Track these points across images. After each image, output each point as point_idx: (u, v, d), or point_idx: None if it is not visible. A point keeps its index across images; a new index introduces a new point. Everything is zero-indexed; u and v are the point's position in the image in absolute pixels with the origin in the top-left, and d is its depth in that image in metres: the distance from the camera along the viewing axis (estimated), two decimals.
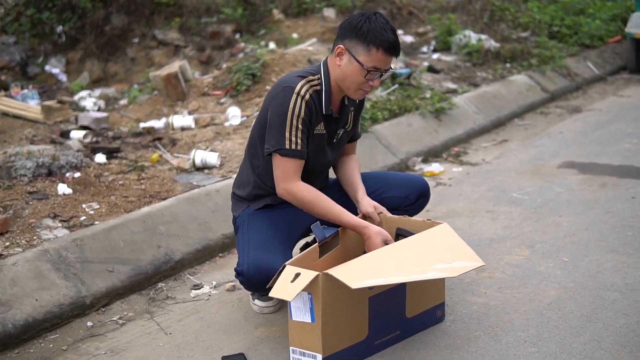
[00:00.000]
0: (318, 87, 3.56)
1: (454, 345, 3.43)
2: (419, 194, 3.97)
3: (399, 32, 10.60)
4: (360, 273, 3.10)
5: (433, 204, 5.38)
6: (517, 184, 5.72)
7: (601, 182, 5.62)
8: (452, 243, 3.41)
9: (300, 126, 3.47)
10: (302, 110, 3.46)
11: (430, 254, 3.31)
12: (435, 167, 6.25)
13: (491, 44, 9.56)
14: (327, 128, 3.65)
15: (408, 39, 10.37)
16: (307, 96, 3.48)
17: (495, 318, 3.65)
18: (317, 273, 3.07)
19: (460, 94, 7.93)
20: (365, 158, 6.06)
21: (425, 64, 8.99)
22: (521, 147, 6.87)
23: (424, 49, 10.02)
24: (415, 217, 3.82)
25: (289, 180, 3.52)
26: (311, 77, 3.56)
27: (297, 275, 3.09)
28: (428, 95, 7.50)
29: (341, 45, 3.48)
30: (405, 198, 3.93)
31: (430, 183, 5.90)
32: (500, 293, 3.91)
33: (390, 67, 3.53)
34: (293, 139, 3.47)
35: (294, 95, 3.46)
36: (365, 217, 3.71)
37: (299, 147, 3.48)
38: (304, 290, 3.10)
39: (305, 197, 3.51)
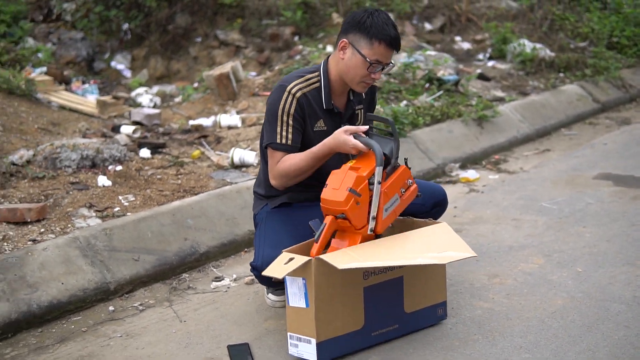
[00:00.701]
0: (317, 84, 3.74)
1: (451, 347, 3.53)
2: (435, 203, 4.05)
3: (457, 38, 10.66)
4: (349, 257, 3.24)
5: (461, 209, 5.48)
6: (549, 193, 5.77)
7: (633, 195, 5.63)
8: (448, 237, 3.53)
9: (290, 122, 3.66)
10: (293, 107, 3.65)
11: (422, 244, 3.45)
12: (470, 173, 6.33)
13: (546, 53, 9.56)
14: (329, 123, 3.78)
15: (465, 45, 10.43)
16: (299, 94, 3.67)
17: (497, 323, 3.73)
18: (309, 258, 3.23)
19: (507, 102, 7.98)
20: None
21: (479, 71, 9.05)
22: (562, 157, 6.89)
23: (480, 56, 10.07)
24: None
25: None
26: (310, 75, 3.75)
27: (291, 259, 3.27)
28: (474, 102, 7.57)
29: (345, 39, 3.64)
30: (422, 205, 3.98)
31: (463, 189, 6.00)
32: (507, 299, 4.00)
33: (391, 62, 3.67)
34: (284, 133, 3.67)
35: (285, 94, 3.66)
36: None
37: (289, 142, 3.67)
38: (297, 275, 3.27)
39: (283, 169, 3.68)
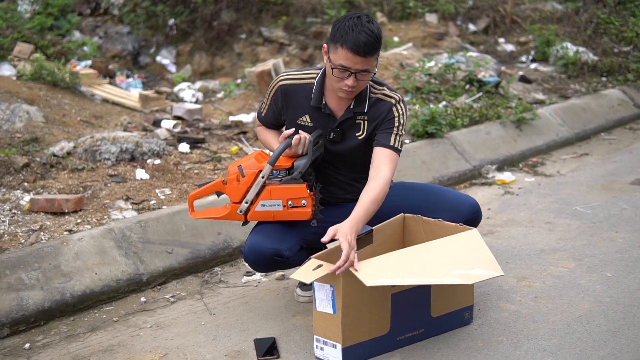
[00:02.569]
0: (312, 81, 3.81)
1: (475, 348, 3.56)
2: (466, 221, 3.88)
3: (501, 40, 10.62)
4: (378, 271, 3.27)
5: (495, 211, 5.49)
6: (584, 197, 5.75)
7: None
8: (477, 250, 3.52)
9: (269, 101, 3.95)
10: (272, 91, 3.90)
11: (451, 259, 3.44)
12: (507, 176, 6.33)
13: (589, 56, 9.49)
14: (317, 120, 3.80)
15: (509, 47, 10.41)
16: (282, 83, 3.86)
17: (522, 325, 3.76)
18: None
19: (547, 105, 7.94)
20: (437, 163, 6.21)
21: (521, 73, 9.02)
22: (599, 162, 6.86)
23: (523, 58, 10.05)
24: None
25: None
26: (309, 71, 3.86)
27: (319, 266, 3.31)
28: (514, 104, 7.56)
29: (325, 45, 3.68)
30: (454, 222, 3.87)
31: (499, 191, 6.01)
32: (535, 302, 4.01)
33: (368, 69, 3.57)
34: (264, 106, 4.01)
35: (275, 79, 3.90)
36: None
37: (263, 113, 4.03)
38: (326, 282, 3.32)
39: (259, 136, 4.12)
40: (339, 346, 3.40)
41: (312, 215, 3.68)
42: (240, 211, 3.69)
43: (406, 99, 7.29)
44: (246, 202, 3.67)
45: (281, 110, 3.88)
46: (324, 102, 3.79)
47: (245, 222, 3.80)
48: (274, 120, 3.96)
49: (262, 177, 3.62)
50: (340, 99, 3.77)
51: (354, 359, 3.44)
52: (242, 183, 3.67)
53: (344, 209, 3.93)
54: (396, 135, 3.77)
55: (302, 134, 3.66)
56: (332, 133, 3.82)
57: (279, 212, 3.67)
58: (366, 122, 3.83)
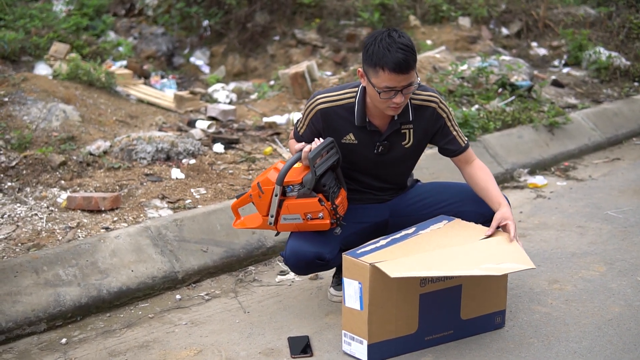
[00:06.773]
0: (351, 100, 3.80)
1: (506, 349, 3.60)
2: (493, 214, 3.88)
3: (533, 44, 10.61)
4: (405, 266, 3.33)
5: (526, 215, 5.52)
6: (615, 202, 5.76)
7: None
8: (509, 248, 3.55)
9: (306, 122, 3.90)
10: (310, 115, 3.86)
11: (482, 255, 3.49)
12: (538, 179, 6.35)
13: (621, 61, 9.46)
14: (362, 138, 3.83)
15: (541, 51, 10.39)
16: (320, 107, 3.82)
17: (553, 328, 3.79)
18: (367, 264, 3.34)
19: (579, 110, 7.93)
20: None
21: (553, 77, 9.01)
22: (631, 166, 6.85)
23: (556, 62, 10.02)
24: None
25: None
26: (346, 91, 3.84)
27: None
28: (546, 108, 7.57)
29: (360, 69, 3.70)
30: (481, 215, 3.93)
31: (531, 195, 6.03)
32: (566, 305, 4.04)
33: (412, 82, 3.59)
34: (300, 124, 3.94)
35: (311, 102, 3.86)
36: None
37: (300, 132, 3.96)
38: (354, 279, 3.41)
39: (290, 147, 4.09)
40: (365, 342, 3.46)
41: (332, 224, 3.72)
42: (270, 223, 3.76)
43: None
44: (271, 216, 3.73)
45: (321, 132, 3.86)
46: (367, 120, 3.81)
47: (278, 233, 3.89)
48: (312, 140, 3.86)
49: (276, 196, 3.67)
50: (383, 114, 3.77)
51: (380, 355, 3.50)
52: (263, 199, 3.73)
53: (380, 207, 4.01)
54: (456, 132, 3.95)
55: (311, 145, 3.69)
56: (380, 147, 3.85)
57: (300, 225, 3.73)
58: (412, 130, 3.88)
